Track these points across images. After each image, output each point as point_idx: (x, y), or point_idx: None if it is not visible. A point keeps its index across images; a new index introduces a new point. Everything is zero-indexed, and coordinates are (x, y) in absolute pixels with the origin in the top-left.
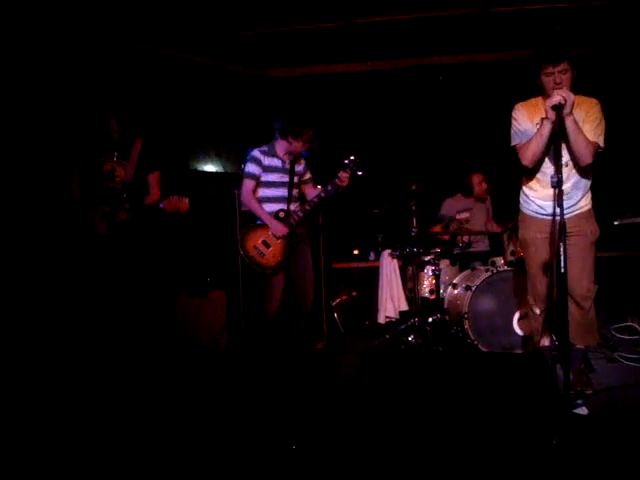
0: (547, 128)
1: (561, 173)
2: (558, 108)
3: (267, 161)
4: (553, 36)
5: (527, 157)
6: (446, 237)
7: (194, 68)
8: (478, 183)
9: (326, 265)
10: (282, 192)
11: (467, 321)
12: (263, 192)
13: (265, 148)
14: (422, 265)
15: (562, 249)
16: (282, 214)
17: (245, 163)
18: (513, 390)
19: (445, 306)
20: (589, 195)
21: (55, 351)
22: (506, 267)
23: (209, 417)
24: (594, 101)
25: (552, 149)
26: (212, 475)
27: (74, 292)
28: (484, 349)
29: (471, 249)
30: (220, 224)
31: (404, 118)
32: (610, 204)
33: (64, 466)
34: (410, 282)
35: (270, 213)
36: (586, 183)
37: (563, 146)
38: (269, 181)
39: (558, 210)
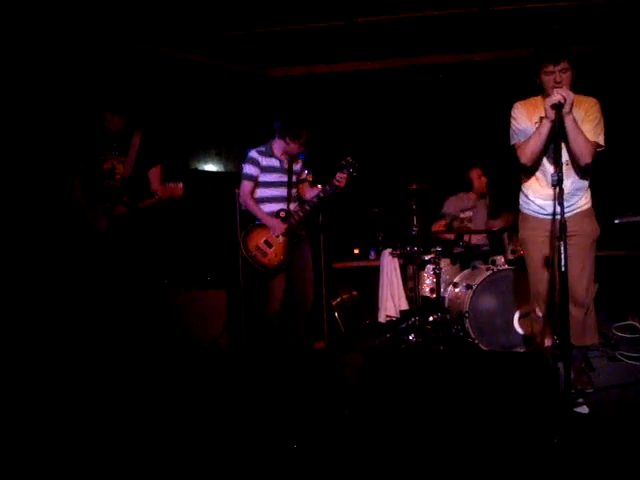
0: (546, 127)
1: (562, 172)
2: (558, 107)
3: (265, 162)
4: (553, 35)
5: (525, 155)
6: (451, 236)
7: (194, 67)
8: (477, 177)
9: (327, 264)
10: (281, 192)
11: (468, 320)
12: (262, 192)
13: (262, 148)
14: (423, 264)
15: (562, 248)
16: (283, 214)
17: (243, 164)
18: (514, 389)
19: (446, 305)
20: (589, 194)
21: (54, 348)
22: (507, 266)
23: (210, 417)
24: (593, 100)
25: (551, 148)
26: (213, 475)
27: (73, 289)
28: (485, 348)
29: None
30: (220, 223)
31: (404, 117)
32: (610, 203)
33: (64, 466)
34: (411, 281)
35: (270, 213)
36: (585, 182)
37: (562, 145)
38: (268, 181)
39: (558, 209)
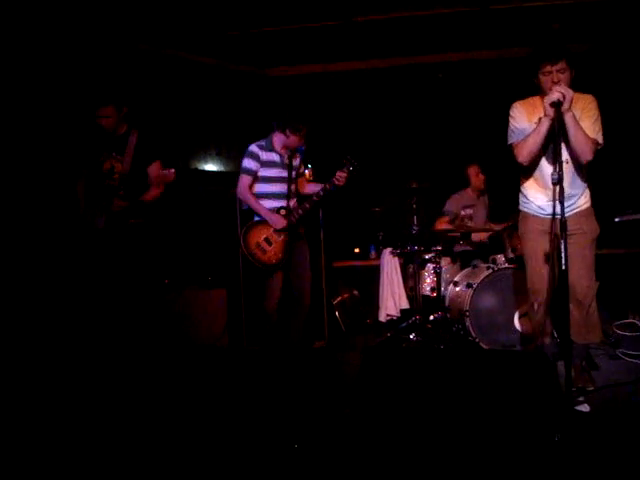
0: (545, 125)
1: (562, 170)
2: (557, 105)
3: (265, 156)
4: (551, 35)
5: (523, 154)
6: (456, 234)
7: (194, 67)
8: (475, 175)
9: (327, 264)
10: (280, 188)
11: (468, 319)
12: (262, 188)
13: (263, 143)
14: (423, 263)
15: (563, 246)
16: (283, 212)
17: (242, 158)
18: (514, 387)
19: (446, 304)
20: (588, 193)
21: (54, 345)
22: (507, 264)
23: (211, 415)
24: (590, 97)
25: (551, 147)
26: (214, 474)
27: (71, 287)
28: (485, 346)
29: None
30: (221, 223)
31: (404, 116)
32: (610, 201)
33: (64, 466)
34: (411, 280)
35: (270, 210)
36: (584, 181)
37: (562, 144)
38: (268, 176)
39: (558, 208)
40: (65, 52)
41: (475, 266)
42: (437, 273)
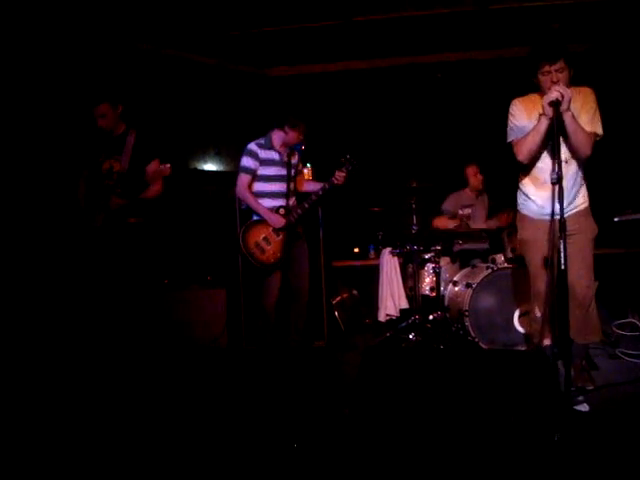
0: (544, 124)
1: (561, 170)
2: (555, 104)
3: (264, 154)
4: (550, 34)
5: (522, 152)
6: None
7: (193, 67)
8: (473, 174)
9: (326, 263)
10: (279, 186)
11: (468, 318)
12: (262, 186)
13: (262, 141)
14: (422, 263)
15: (562, 246)
16: (283, 211)
17: (241, 157)
18: (514, 387)
19: (446, 304)
20: (586, 193)
21: (53, 345)
22: (506, 264)
23: (210, 415)
24: (588, 90)
25: (549, 146)
26: (214, 474)
27: (69, 286)
28: (485, 346)
29: (471, 243)
30: (220, 223)
31: (404, 116)
32: (610, 201)
33: (63, 465)
34: (410, 280)
35: (269, 209)
36: (582, 180)
37: (561, 143)
38: (267, 175)
39: (557, 207)
40: (66, 52)
41: (474, 266)
42: (436, 273)
